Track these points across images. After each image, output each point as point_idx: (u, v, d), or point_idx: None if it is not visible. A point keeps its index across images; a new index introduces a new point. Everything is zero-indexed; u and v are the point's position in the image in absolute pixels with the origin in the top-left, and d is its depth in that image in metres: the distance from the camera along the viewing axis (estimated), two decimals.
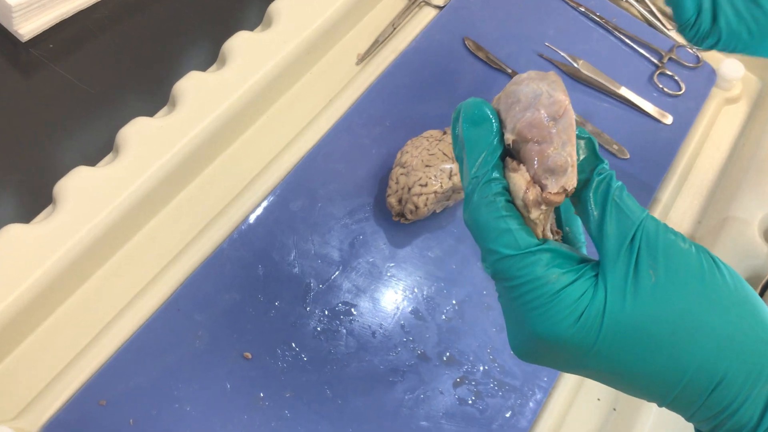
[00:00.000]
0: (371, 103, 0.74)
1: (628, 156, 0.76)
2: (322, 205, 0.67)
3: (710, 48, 0.49)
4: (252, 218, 0.65)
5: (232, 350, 0.59)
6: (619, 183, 0.33)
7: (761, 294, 0.69)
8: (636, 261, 0.31)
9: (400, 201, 0.65)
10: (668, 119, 0.80)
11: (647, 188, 0.74)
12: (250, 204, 0.65)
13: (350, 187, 0.68)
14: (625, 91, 0.80)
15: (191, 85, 0.66)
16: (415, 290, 0.64)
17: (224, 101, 0.66)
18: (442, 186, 0.63)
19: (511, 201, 0.34)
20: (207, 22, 0.74)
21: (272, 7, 0.73)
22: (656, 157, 0.77)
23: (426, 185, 0.63)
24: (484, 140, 0.34)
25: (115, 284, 0.61)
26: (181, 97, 0.66)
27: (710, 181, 0.78)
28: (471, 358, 0.62)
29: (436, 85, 0.76)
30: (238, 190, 0.67)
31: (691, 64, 0.83)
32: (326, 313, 0.62)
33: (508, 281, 0.33)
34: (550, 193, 0.33)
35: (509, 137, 0.34)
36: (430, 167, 0.64)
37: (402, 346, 0.62)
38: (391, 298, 0.64)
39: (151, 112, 0.67)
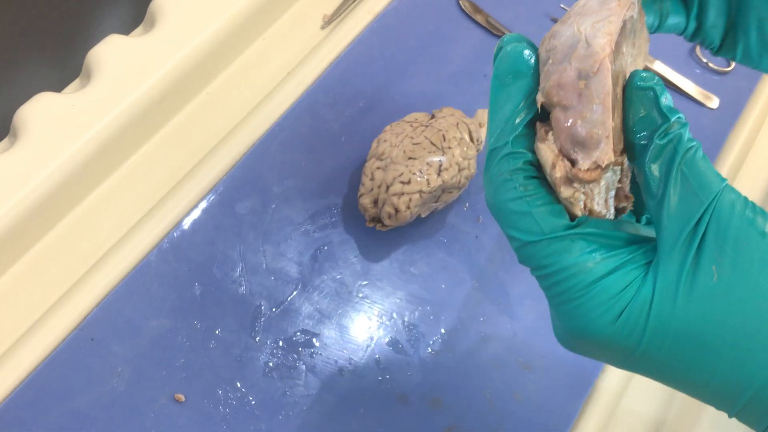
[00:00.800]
0: (340, 78, 0.75)
1: None
2: (276, 207, 0.68)
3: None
4: (186, 223, 0.65)
5: (161, 391, 0.60)
6: (693, 143, 0.32)
7: None
8: (698, 252, 0.32)
9: (375, 202, 0.66)
10: (714, 102, 0.82)
11: None
12: (185, 204, 0.66)
13: (313, 184, 0.69)
14: (659, 66, 0.82)
15: (110, 52, 0.67)
16: (394, 316, 0.66)
17: (152, 73, 0.67)
18: (429, 184, 0.65)
19: (536, 177, 0.34)
20: None
21: None
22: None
23: (409, 182, 0.64)
24: (511, 102, 0.35)
25: (11, 309, 0.61)
26: (98, 67, 0.66)
27: (766, 179, 0.81)
28: (464, 403, 0.63)
29: (422, 56, 0.78)
30: (169, 186, 0.67)
31: None
32: (280, 344, 0.63)
33: (536, 270, 0.35)
34: (580, 170, 0.34)
35: (539, 98, 0.35)
36: (414, 160, 0.65)
37: (377, 387, 0.63)
38: (364, 326, 0.65)
39: (58, 87, 0.67)
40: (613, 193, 0.38)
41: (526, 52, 0.35)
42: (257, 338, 0.63)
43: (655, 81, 0.34)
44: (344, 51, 0.76)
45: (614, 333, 0.33)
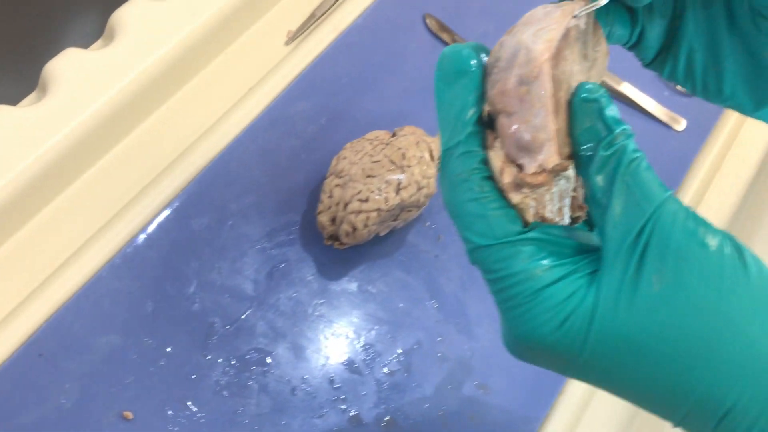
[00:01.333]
0: (303, 95, 0.75)
1: None
2: (233, 224, 0.68)
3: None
4: (141, 239, 0.65)
5: (109, 409, 0.59)
6: (637, 154, 0.33)
7: None
8: (640, 262, 0.32)
9: (333, 220, 0.66)
10: (681, 125, 0.82)
11: None
12: (140, 220, 0.66)
13: (271, 201, 0.69)
14: (627, 88, 0.82)
15: (68, 66, 0.67)
16: (350, 335, 0.66)
17: (110, 87, 0.67)
18: (387, 202, 0.65)
19: (491, 177, 0.35)
20: None
21: None
22: (662, 172, 0.79)
23: (367, 200, 0.65)
24: (458, 100, 0.35)
25: None
26: (55, 80, 0.66)
27: (732, 204, 0.81)
28: (418, 425, 0.63)
29: (386, 73, 0.78)
30: (124, 202, 0.67)
31: None
32: (233, 362, 0.63)
33: (487, 274, 0.35)
34: (527, 174, 0.34)
35: (486, 107, 0.36)
36: (372, 178, 0.65)
37: (330, 407, 0.63)
38: (319, 345, 0.65)
39: (14, 100, 0.67)
40: (568, 201, 0.38)
41: (466, 51, 0.36)
42: (209, 356, 0.62)
43: (600, 93, 0.34)
44: (307, 67, 0.76)
45: (558, 340, 0.33)
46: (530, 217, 0.35)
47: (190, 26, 0.71)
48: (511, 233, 0.34)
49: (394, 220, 0.68)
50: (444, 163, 0.36)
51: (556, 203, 0.38)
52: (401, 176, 0.66)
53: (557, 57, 0.34)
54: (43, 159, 0.63)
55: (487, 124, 0.36)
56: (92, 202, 0.68)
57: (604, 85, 0.79)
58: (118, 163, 0.70)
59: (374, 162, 0.66)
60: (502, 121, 0.35)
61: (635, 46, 0.42)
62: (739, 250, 0.33)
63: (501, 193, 0.35)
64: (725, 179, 0.82)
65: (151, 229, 0.66)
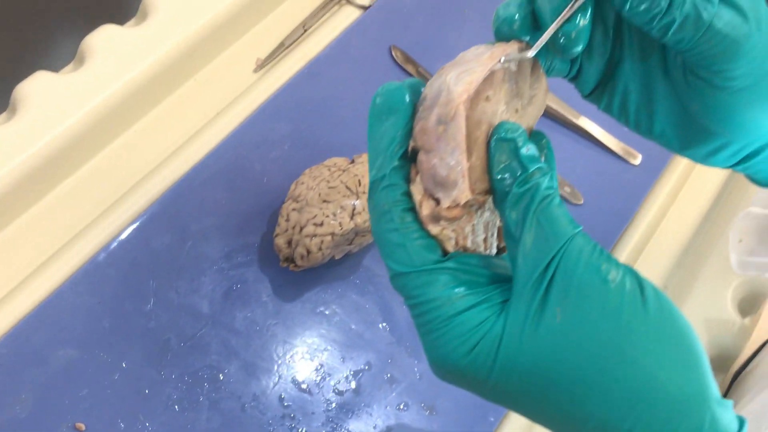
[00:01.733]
0: (268, 120, 0.78)
1: (582, 201, 0.81)
2: (193, 244, 0.70)
3: None
4: (102, 256, 0.68)
5: (62, 420, 0.61)
6: (550, 192, 0.35)
7: (733, 380, 0.74)
8: (545, 294, 0.35)
9: (289, 243, 0.69)
10: (637, 159, 0.85)
11: (603, 241, 0.79)
12: (101, 239, 0.69)
13: (231, 223, 0.72)
14: (584, 122, 0.85)
15: (38, 88, 0.70)
16: (302, 355, 0.68)
17: (79, 109, 0.70)
18: (341, 227, 0.67)
19: (413, 209, 0.37)
20: (65, 11, 0.77)
21: None
22: (618, 204, 0.82)
23: (321, 225, 0.67)
24: (387, 136, 0.37)
25: None
26: (24, 102, 0.69)
27: (684, 237, 0.83)
28: None
29: (351, 102, 0.81)
30: (87, 221, 0.70)
31: None
32: (186, 378, 0.65)
33: (407, 300, 0.37)
34: (442, 208, 0.36)
35: (411, 142, 0.38)
36: (328, 203, 0.68)
37: (278, 424, 0.65)
38: (271, 364, 0.67)
39: None
40: (495, 231, 0.41)
41: (400, 89, 0.38)
42: (162, 372, 0.65)
43: (517, 133, 0.37)
44: (274, 94, 0.79)
45: (468, 365, 0.35)
46: (450, 247, 0.38)
47: (159, 52, 0.74)
48: (429, 262, 0.36)
49: (349, 244, 0.70)
50: (371, 194, 0.38)
51: (480, 234, 0.40)
52: (356, 202, 0.68)
53: (477, 98, 0.36)
54: (8, 178, 0.66)
55: (412, 158, 0.38)
56: (55, 220, 0.70)
57: (561, 117, 0.82)
58: (83, 182, 0.72)
59: (330, 188, 0.69)
60: (421, 157, 0.37)
61: (575, 78, 0.44)
62: (640, 285, 0.35)
63: (421, 225, 0.37)
64: (679, 213, 0.85)
65: (112, 247, 0.68)
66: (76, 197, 0.71)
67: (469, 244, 0.39)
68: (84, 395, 0.62)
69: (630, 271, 0.35)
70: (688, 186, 0.86)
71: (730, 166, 0.44)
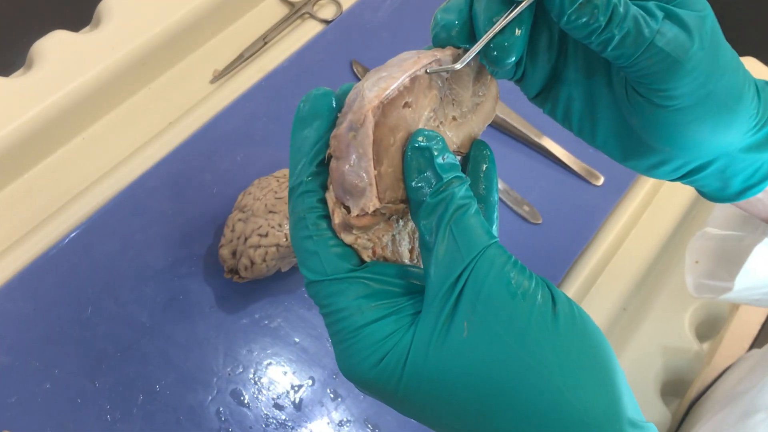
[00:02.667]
0: (222, 130, 0.77)
1: (541, 221, 0.80)
2: (136, 253, 0.69)
3: None
4: (40, 262, 0.67)
5: None
6: (465, 201, 0.34)
7: (690, 406, 0.73)
8: (454, 307, 0.34)
9: (234, 254, 0.68)
10: (599, 180, 0.85)
11: (561, 262, 0.78)
12: (41, 245, 0.68)
13: (177, 233, 0.71)
14: (547, 142, 0.85)
15: None
16: (243, 369, 0.67)
17: (25, 113, 0.69)
18: (287, 238, 0.66)
19: (329, 216, 0.36)
20: (16, 16, 0.77)
21: (103, 4, 0.76)
22: (578, 225, 0.81)
23: (266, 235, 0.66)
24: (308, 142, 0.36)
25: None
26: None
27: (645, 259, 0.83)
28: None
29: None
30: (28, 227, 0.69)
31: None
32: (120, 389, 0.64)
33: (320, 309, 0.36)
34: (351, 217, 0.35)
35: (328, 150, 0.37)
36: (274, 213, 0.67)
37: None
38: (209, 376, 0.66)
39: None
40: (406, 242, 0.40)
41: (326, 96, 0.37)
42: (96, 383, 0.63)
43: (434, 141, 0.36)
44: (229, 105, 0.79)
45: (376, 377, 0.35)
46: (366, 257, 0.37)
47: (110, 60, 0.74)
48: (341, 270, 0.35)
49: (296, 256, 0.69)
50: (290, 197, 0.37)
51: (405, 244, 0.39)
52: None
53: (392, 105, 0.36)
54: None
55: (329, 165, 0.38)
56: None
57: (523, 136, 0.82)
58: (25, 189, 0.71)
59: (278, 198, 0.68)
60: (332, 164, 0.36)
61: (520, 81, 0.43)
62: (553, 299, 0.34)
63: (335, 233, 0.37)
64: (641, 235, 0.84)
65: (51, 254, 0.67)
66: (19, 204, 0.71)
67: (388, 254, 0.38)
68: (12, 402, 0.61)
69: (543, 284, 0.35)
70: (651, 208, 0.86)
71: (675, 179, 0.43)
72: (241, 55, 0.83)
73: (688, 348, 0.74)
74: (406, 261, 0.39)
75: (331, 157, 0.36)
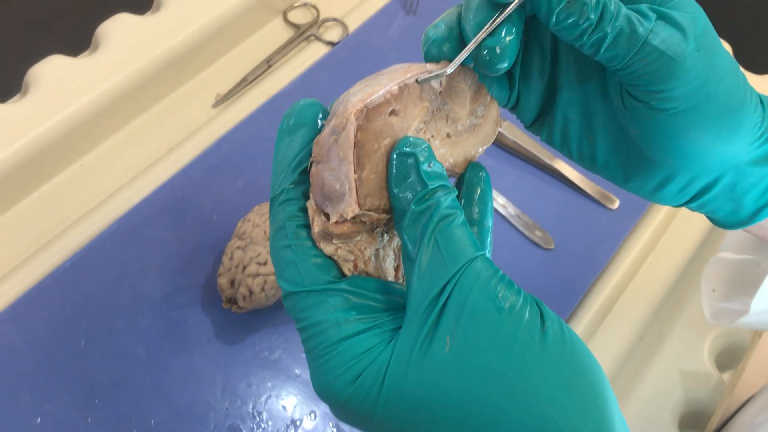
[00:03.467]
0: (223, 156, 0.75)
1: (553, 246, 0.77)
2: (132, 283, 0.67)
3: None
4: (33, 293, 0.65)
5: None
6: (452, 211, 0.33)
7: None
8: (437, 321, 0.32)
9: (232, 283, 0.65)
10: (614, 204, 0.82)
11: (574, 289, 0.75)
12: (34, 276, 0.66)
13: (176, 261, 0.69)
14: (560, 165, 0.82)
15: None
16: (242, 402, 0.64)
17: (21, 139, 0.68)
18: None
19: (308, 225, 0.35)
20: (12, 42, 0.76)
21: (103, 28, 0.75)
22: (592, 250, 0.78)
23: (265, 264, 0.64)
24: (291, 150, 0.35)
25: None
26: None
27: (662, 286, 0.80)
28: None
29: None
30: (21, 257, 0.67)
31: None
32: (114, 424, 0.61)
33: (297, 323, 0.34)
34: (330, 224, 0.34)
35: (311, 158, 0.35)
36: None
37: None
38: (207, 411, 0.63)
39: None
40: (391, 259, 0.38)
41: (312, 106, 0.36)
42: (89, 417, 0.61)
43: (420, 148, 0.34)
44: (230, 130, 0.77)
45: (351, 395, 0.32)
46: (347, 270, 0.35)
47: (105, 84, 0.72)
48: (319, 282, 0.34)
49: None
50: (270, 207, 0.36)
51: (390, 260, 0.37)
52: None
53: (377, 111, 0.34)
54: None
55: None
56: None
57: (536, 159, 0.79)
58: (20, 218, 0.70)
59: None
60: (313, 169, 0.34)
61: (514, 108, 0.42)
62: (542, 317, 0.32)
63: (315, 243, 0.35)
64: (658, 260, 0.81)
65: (44, 285, 0.65)
66: (13, 233, 0.69)
67: (371, 269, 0.36)
68: None
69: (532, 301, 0.32)
70: (669, 232, 0.83)
71: (683, 204, 0.41)
72: (244, 79, 0.81)
73: (707, 378, 0.71)
74: (390, 278, 0.37)
75: (313, 163, 0.35)
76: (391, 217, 0.35)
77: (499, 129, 0.82)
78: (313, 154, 0.35)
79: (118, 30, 0.75)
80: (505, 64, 0.36)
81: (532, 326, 0.32)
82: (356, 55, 0.85)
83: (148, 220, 0.70)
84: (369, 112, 0.34)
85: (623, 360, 0.72)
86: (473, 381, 0.31)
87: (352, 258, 0.35)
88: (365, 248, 0.36)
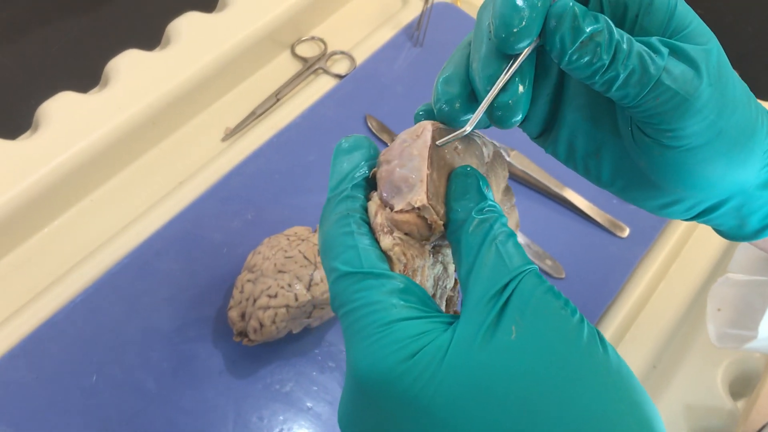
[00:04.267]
0: (232, 189, 0.75)
1: (564, 275, 0.77)
2: (143, 317, 0.67)
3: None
4: (44, 330, 0.65)
5: None
6: (508, 230, 0.34)
7: None
8: (501, 311, 0.32)
9: (243, 316, 0.65)
10: (624, 232, 0.82)
11: (587, 317, 0.75)
12: (46, 311, 0.66)
13: (186, 295, 0.69)
14: (570, 194, 0.82)
15: None
16: None
17: (32, 175, 0.68)
18: (297, 299, 0.64)
19: (367, 221, 0.36)
20: (22, 79, 0.77)
21: (112, 64, 0.76)
22: (603, 278, 0.78)
23: (276, 296, 0.64)
24: (351, 162, 0.37)
25: None
26: None
27: (675, 313, 0.79)
28: None
29: (319, 171, 0.79)
30: (33, 293, 0.67)
31: None
32: None
33: (344, 306, 0.34)
34: (395, 212, 0.35)
35: (374, 169, 0.37)
36: (283, 273, 0.65)
37: None
38: None
39: None
40: (442, 293, 0.39)
41: (364, 138, 0.38)
42: None
43: (481, 177, 0.36)
44: (240, 163, 0.77)
45: (405, 372, 0.32)
46: (398, 270, 0.35)
47: (115, 120, 0.73)
48: (377, 266, 0.34)
49: (308, 317, 0.67)
50: (326, 205, 0.37)
51: (429, 285, 0.38)
52: (314, 273, 0.65)
53: (446, 147, 0.36)
54: None
55: (371, 186, 0.37)
56: (1, 292, 0.68)
57: (545, 188, 0.79)
58: (32, 252, 0.70)
59: (287, 257, 0.66)
60: (381, 168, 0.36)
61: (522, 122, 0.42)
62: (599, 333, 0.32)
63: (374, 235, 0.36)
64: (670, 288, 0.81)
65: (57, 319, 0.66)
66: (24, 268, 0.69)
67: (426, 281, 0.37)
68: None
69: (588, 323, 0.32)
70: (679, 260, 0.83)
71: (689, 219, 0.41)
72: (253, 112, 0.82)
73: (720, 407, 0.70)
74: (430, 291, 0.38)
75: (375, 175, 0.37)
76: (440, 241, 0.37)
77: (508, 159, 0.83)
78: (379, 160, 0.37)
79: (128, 66, 0.75)
80: (519, 117, 0.36)
81: (593, 335, 0.32)
82: (364, 87, 0.85)
83: (158, 254, 0.70)
84: (441, 132, 0.36)
85: None
86: (539, 367, 0.31)
87: (405, 261, 0.36)
88: (416, 257, 0.36)
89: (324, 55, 0.87)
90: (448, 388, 0.31)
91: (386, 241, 0.35)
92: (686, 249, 0.83)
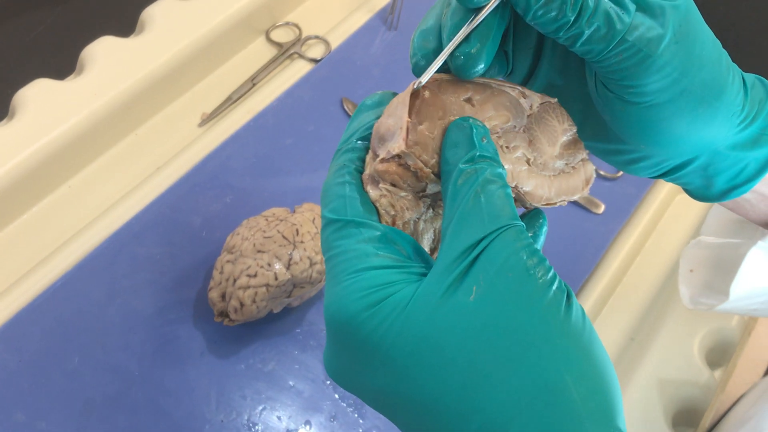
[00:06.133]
0: (210, 173, 0.76)
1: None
2: (123, 300, 0.67)
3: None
4: (25, 313, 0.65)
5: None
6: (497, 179, 0.33)
7: None
8: (466, 270, 0.32)
9: (223, 296, 0.66)
10: (600, 208, 0.83)
11: None
12: (27, 296, 0.66)
13: (166, 278, 0.69)
14: None
15: None
16: (236, 414, 0.64)
17: (8, 162, 0.68)
18: (276, 278, 0.65)
19: (362, 172, 0.37)
20: (0, 70, 0.77)
21: (87, 51, 0.76)
22: (580, 254, 0.79)
23: (255, 275, 0.64)
24: (365, 121, 0.37)
25: None
26: None
27: (650, 286, 0.80)
28: None
29: (297, 154, 0.79)
30: (13, 278, 0.68)
31: None
32: None
33: (327, 253, 0.35)
34: (378, 161, 0.35)
35: None
36: (262, 253, 0.65)
37: None
38: (201, 424, 0.63)
39: None
40: (429, 237, 0.39)
41: (391, 93, 0.38)
42: None
43: (479, 125, 0.35)
44: (217, 147, 0.78)
45: (365, 320, 0.33)
46: (385, 222, 0.36)
47: (90, 107, 0.73)
48: (359, 215, 0.35)
49: (288, 296, 0.67)
50: (334, 156, 0.37)
51: (428, 236, 0.38)
52: (293, 251, 0.66)
53: (452, 88, 0.36)
54: None
55: None
56: None
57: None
58: (11, 238, 0.70)
59: (266, 237, 0.66)
60: (376, 122, 0.37)
61: (509, 75, 0.43)
62: (567, 296, 0.32)
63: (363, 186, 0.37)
64: (646, 263, 0.82)
65: (36, 304, 0.66)
66: (3, 255, 0.69)
67: (408, 233, 0.37)
68: None
69: (560, 281, 0.32)
70: (655, 234, 0.84)
71: (657, 177, 0.42)
72: (229, 98, 0.82)
73: (699, 376, 0.71)
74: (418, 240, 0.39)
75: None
76: (438, 189, 0.37)
77: None
78: (381, 118, 0.37)
79: (103, 53, 0.75)
80: (480, 67, 0.36)
81: (558, 299, 0.31)
82: (339, 71, 0.86)
83: (137, 238, 0.71)
84: (443, 84, 0.36)
85: (615, 361, 0.73)
86: (492, 330, 0.31)
87: (393, 213, 0.36)
88: (407, 209, 0.37)
89: (299, 40, 0.87)
90: (404, 339, 0.32)
91: (374, 193, 0.36)
92: (661, 224, 0.84)
